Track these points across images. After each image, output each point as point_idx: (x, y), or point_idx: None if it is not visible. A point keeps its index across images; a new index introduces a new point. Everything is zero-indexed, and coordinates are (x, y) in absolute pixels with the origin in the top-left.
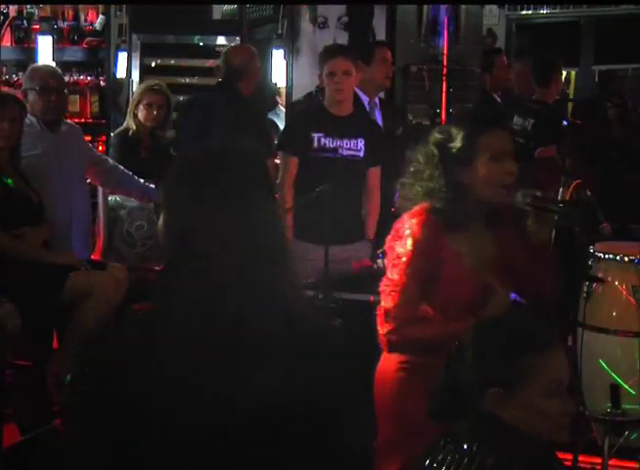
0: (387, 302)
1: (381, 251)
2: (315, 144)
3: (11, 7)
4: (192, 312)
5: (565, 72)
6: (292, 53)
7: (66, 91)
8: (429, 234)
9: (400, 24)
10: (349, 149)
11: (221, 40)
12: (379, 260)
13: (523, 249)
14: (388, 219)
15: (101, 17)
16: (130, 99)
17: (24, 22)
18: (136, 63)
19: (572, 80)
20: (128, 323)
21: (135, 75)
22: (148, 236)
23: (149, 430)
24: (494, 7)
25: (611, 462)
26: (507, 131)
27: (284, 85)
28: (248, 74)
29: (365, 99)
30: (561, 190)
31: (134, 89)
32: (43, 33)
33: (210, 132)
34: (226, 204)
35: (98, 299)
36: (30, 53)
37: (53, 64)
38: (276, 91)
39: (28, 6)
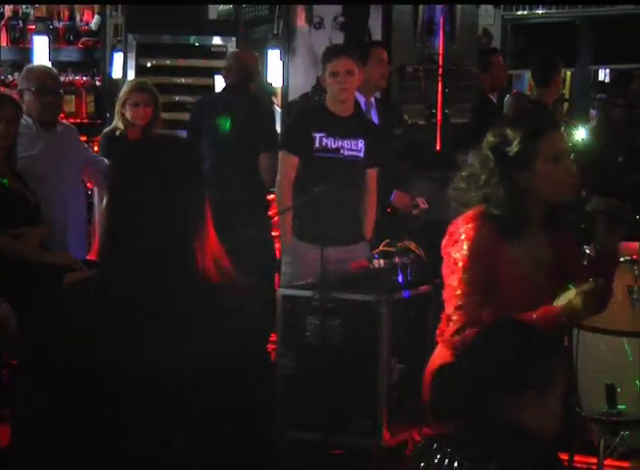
0: (448, 307)
1: (377, 251)
2: (317, 144)
3: (6, 7)
4: (117, 283)
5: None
6: (287, 53)
7: (61, 91)
8: (485, 239)
9: (396, 25)
10: (351, 149)
11: (217, 40)
12: (375, 261)
13: (575, 251)
14: (382, 219)
15: (96, 17)
16: None
17: (20, 22)
18: (132, 63)
19: (568, 81)
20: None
21: (131, 76)
22: None
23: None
24: (490, 7)
25: (606, 462)
26: (562, 132)
27: (279, 85)
28: (257, 76)
29: (361, 99)
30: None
31: None
32: (39, 33)
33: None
34: (155, 186)
35: None
36: (26, 53)
37: (49, 64)
38: (272, 91)
39: (24, 6)
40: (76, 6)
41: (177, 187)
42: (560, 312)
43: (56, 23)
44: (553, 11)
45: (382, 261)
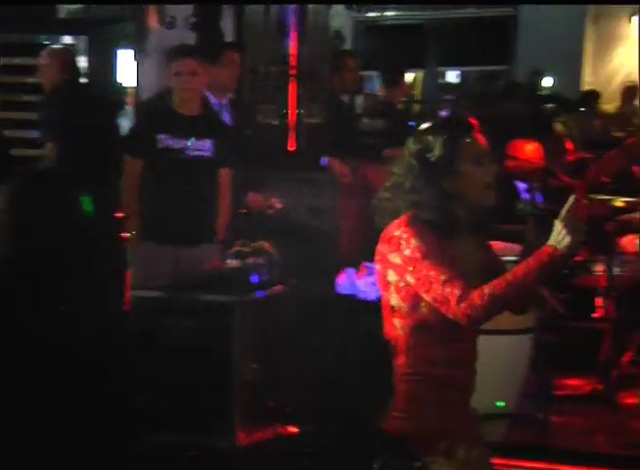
0: (435, 291)
1: (231, 251)
2: (161, 145)
3: None
4: None
5: (411, 74)
6: (139, 53)
7: None
8: (428, 237)
9: (249, 25)
10: (196, 149)
11: (68, 39)
12: (229, 261)
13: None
14: (237, 220)
15: None
16: None
17: None
18: None
19: (418, 82)
20: None
21: None
22: None
23: None
24: (341, 9)
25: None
26: (481, 134)
27: (132, 85)
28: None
29: (214, 100)
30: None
31: None
32: None
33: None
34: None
35: None
36: None
37: None
38: (123, 91)
39: None
40: None
41: None
42: (555, 250)
43: None
44: (403, 13)
45: (236, 262)
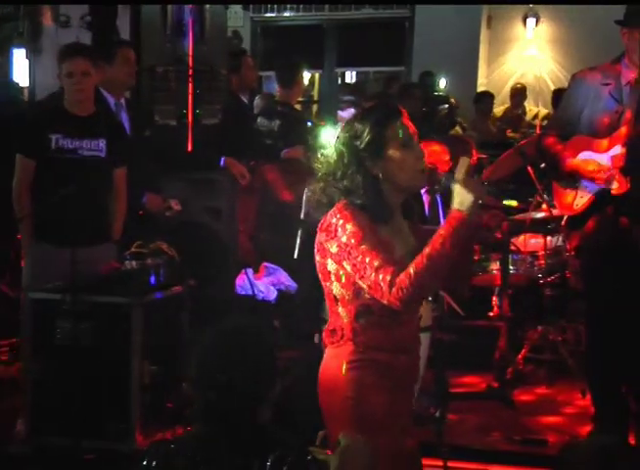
0: (368, 277)
1: (129, 253)
2: (53, 145)
3: None
4: None
5: (309, 75)
6: (33, 52)
7: None
8: (362, 222)
9: (145, 25)
10: (90, 149)
11: None
12: (127, 263)
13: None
14: (134, 221)
15: None
16: None
17: None
18: None
19: (317, 82)
20: None
21: None
22: None
23: None
24: (239, 9)
25: None
26: (408, 119)
27: (26, 85)
28: None
29: (111, 100)
30: (306, 190)
31: None
32: None
33: None
34: None
35: None
36: None
37: None
38: (19, 90)
39: None
40: None
41: None
42: (461, 212)
43: None
44: (301, 14)
45: (134, 263)
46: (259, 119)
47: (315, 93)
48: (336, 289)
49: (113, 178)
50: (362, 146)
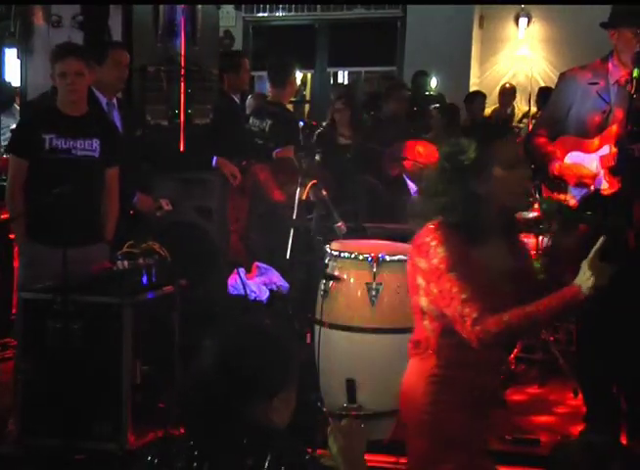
0: (453, 307)
1: (121, 252)
2: (47, 146)
3: None
4: None
5: (301, 74)
6: (25, 52)
7: None
8: (455, 244)
9: (137, 25)
10: (84, 149)
11: None
12: (118, 262)
13: (528, 257)
14: (125, 221)
15: None
16: None
17: None
18: None
19: (309, 82)
20: None
21: None
22: None
23: None
24: (231, 9)
25: None
26: (516, 137)
27: (18, 85)
28: None
29: (103, 99)
30: (298, 190)
31: None
32: None
33: None
34: None
35: None
36: None
37: None
38: (12, 90)
39: None
40: None
41: None
42: (580, 290)
43: None
44: (293, 14)
45: (125, 263)
46: (251, 119)
47: (307, 93)
48: (424, 303)
49: (105, 178)
50: (466, 163)
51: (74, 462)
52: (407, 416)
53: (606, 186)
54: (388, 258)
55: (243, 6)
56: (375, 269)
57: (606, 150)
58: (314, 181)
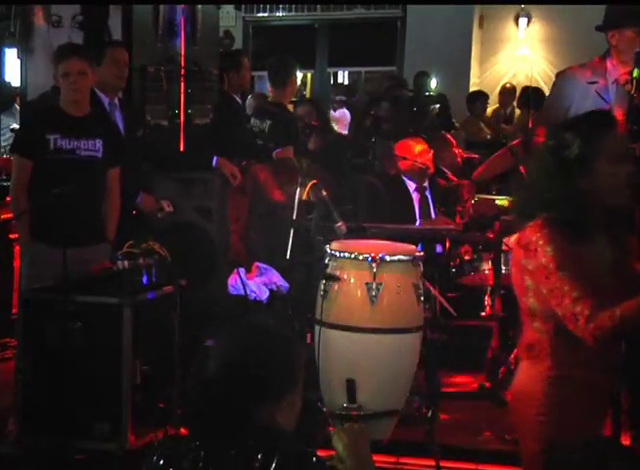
0: (565, 306)
1: (121, 252)
2: (51, 146)
3: None
4: None
5: (301, 74)
6: (25, 52)
7: None
8: (562, 242)
9: (137, 25)
10: (87, 149)
11: None
12: (119, 262)
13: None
14: (127, 221)
15: None
16: None
17: None
18: None
19: (309, 82)
20: None
21: None
22: None
23: None
24: (231, 9)
25: None
26: (621, 132)
27: (18, 85)
28: None
29: (105, 99)
30: (298, 190)
31: None
32: None
33: None
34: None
35: None
36: None
37: None
38: (12, 90)
39: None
40: None
41: None
42: None
43: None
44: (293, 14)
45: (126, 263)
46: (252, 120)
47: (307, 93)
48: (533, 304)
49: (107, 178)
50: (571, 157)
51: (74, 462)
52: (521, 420)
53: None
54: (388, 258)
55: (243, 6)
56: (375, 269)
57: None
58: (314, 181)
